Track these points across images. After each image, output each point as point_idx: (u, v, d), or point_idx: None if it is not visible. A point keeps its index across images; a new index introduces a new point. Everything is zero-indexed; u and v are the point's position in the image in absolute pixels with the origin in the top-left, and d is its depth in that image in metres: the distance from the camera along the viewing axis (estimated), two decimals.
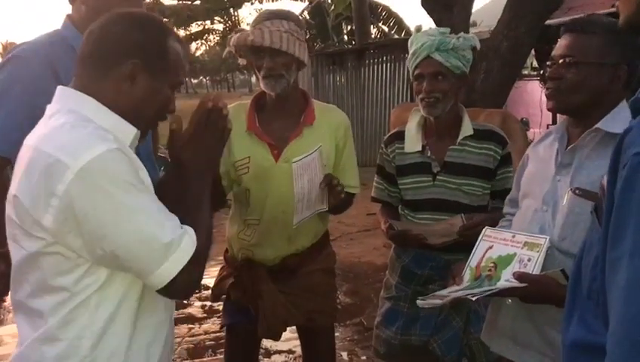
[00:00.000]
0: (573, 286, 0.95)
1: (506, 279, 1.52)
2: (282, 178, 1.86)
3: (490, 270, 1.58)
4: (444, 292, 1.68)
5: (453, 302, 1.61)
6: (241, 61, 1.95)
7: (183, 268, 1.13)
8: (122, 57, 1.18)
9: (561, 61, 1.47)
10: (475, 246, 1.69)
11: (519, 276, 1.45)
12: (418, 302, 1.70)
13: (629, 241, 0.71)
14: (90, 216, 1.08)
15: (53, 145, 1.09)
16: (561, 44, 1.50)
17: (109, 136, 1.13)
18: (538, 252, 1.48)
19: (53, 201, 1.07)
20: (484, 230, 1.70)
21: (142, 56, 1.19)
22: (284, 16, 1.86)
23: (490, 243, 1.64)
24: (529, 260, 1.49)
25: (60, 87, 1.22)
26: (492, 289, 1.49)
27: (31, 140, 1.16)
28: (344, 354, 3.37)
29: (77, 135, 1.10)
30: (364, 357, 3.33)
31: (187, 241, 1.15)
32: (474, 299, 1.50)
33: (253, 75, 1.96)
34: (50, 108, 1.20)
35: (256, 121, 1.93)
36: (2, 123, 1.74)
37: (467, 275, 1.66)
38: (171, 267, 1.12)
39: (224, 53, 2.05)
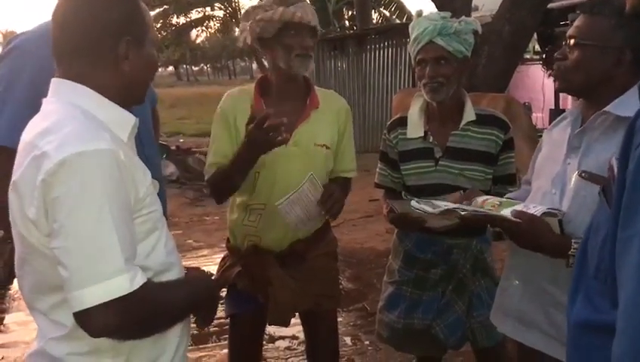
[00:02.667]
0: (579, 267, 0.96)
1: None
2: (292, 161, 1.89)
3: (493, 206, 1.58)
4: (440, 203, 1.66)
5: (443, 213, 1.60)
6: (242, 42, 1.95)
7: (109, 301, 1.02)
8: (114, 40, 1.14)
9: (567, 42, 1.48)
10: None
11: (517, 213, 1.45)
12: (412, 202, 1.72)
13: None
14: (55, 210, 1.01)
15: (47, 139, 1.05)
16: (574, 24, 1.50)
17: (104, 135, 1.08)
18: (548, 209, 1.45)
19: (35, 193, 1.03)
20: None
21: (129, 30, 1.16)
22: None
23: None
24: (534, 207, 1.47)
25: (55, 80, 1.17)
26: (482, 211, 1.49)
27: (28, 136, 1.11)
28: (347, 339, 3.39)
29: (71, 129, 1.06)
30: (367, 342, 3.35)
31: (137, 279, 1.06)
32: (462, 213, 1.51)
33: (254, 62, 1.96)
34: (47, 102, 1.16)
35: (263, 105, 1.93)
36: (11, 115, 1.74)
37: (471, 206, 1.65)
38: (99, 292, 1.01)
39: (239, 28, 2.02)
